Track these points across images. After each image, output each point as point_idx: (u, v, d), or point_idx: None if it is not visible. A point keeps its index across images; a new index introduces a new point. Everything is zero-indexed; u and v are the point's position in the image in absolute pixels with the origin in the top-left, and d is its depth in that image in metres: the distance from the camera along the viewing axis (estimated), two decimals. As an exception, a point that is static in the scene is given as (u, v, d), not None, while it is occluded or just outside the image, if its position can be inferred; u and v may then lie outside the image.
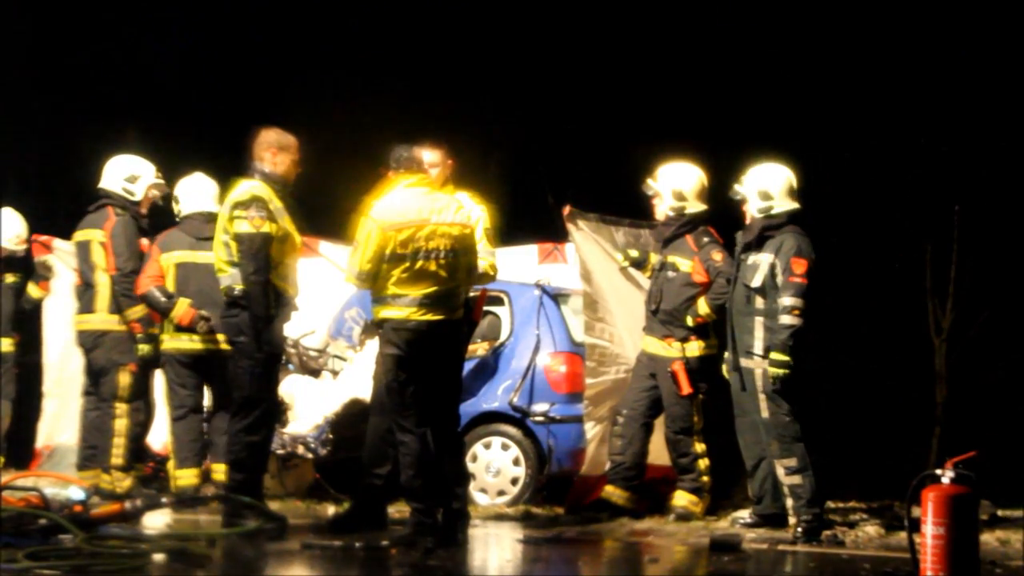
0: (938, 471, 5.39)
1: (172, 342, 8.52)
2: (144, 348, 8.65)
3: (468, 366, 8.42)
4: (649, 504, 8.50)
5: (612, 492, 8.39)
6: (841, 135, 14.57)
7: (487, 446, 9.18)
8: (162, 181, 9.01)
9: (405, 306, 6.88)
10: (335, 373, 9.85)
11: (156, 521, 7.69)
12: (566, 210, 8.89)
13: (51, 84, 14.69)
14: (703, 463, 8.30)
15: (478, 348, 9.31)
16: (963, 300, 14.00)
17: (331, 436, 9.30)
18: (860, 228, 14.34)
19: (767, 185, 7.82)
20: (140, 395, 8.86)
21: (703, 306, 8.28)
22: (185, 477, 8.50)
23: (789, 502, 7.57)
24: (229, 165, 8.20)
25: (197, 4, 15.39)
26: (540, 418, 9.13)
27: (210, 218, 8.37)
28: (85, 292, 8.89)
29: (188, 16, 15.32)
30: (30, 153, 13.91)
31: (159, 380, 8.95)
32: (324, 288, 9.97)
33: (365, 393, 9.09)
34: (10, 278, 9.72)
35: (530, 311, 9.43)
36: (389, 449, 7.21)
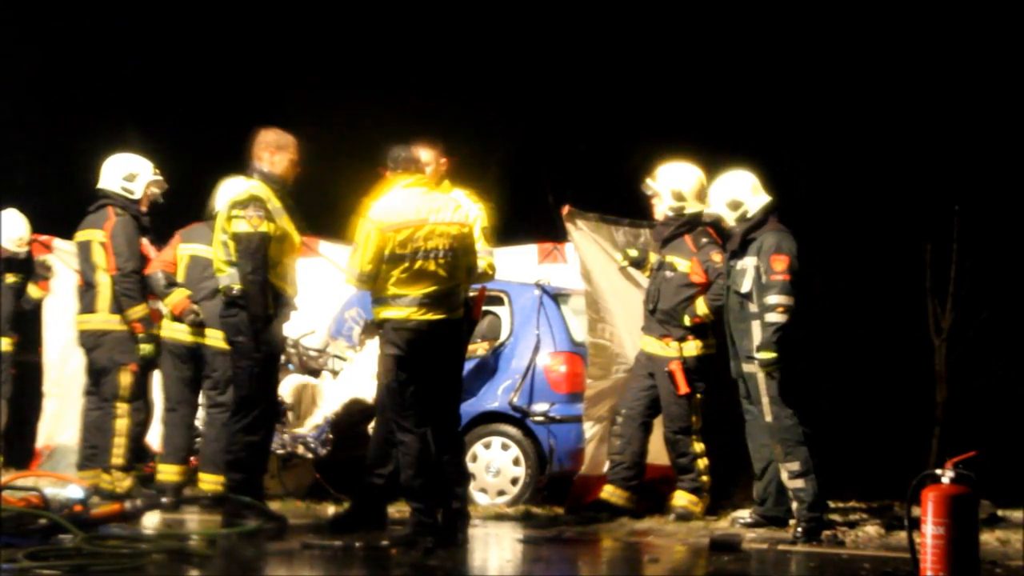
0: (938, 471, 5.38)
1: (168, 331, 8.70)
2: (146, 348, 8.67)
3: (468, 366, 8.42)
4: (649, 504, 8.50)
5: (611, 492, 8.39)
6: (841, 135, 14.58)
7: (487, 446, 9.18)
8: (160, 178, 9.01)
9: (405, 306, 6.88)
10: (335, 373, 9.85)
11: (156, 521, 7.69)
12: (565, 210, 8.90)
13: (51, 84, 14.69)
14: (702, 463, 8.30)
15: (478, 348, 9.31)
16: (963, 300, 14.00)
17: (331, 436, 9.30)
18: (860, 228, 14.34)
19: (733, 193, 7.82)
20: (140, 395, 8.87)
21: (701, 306, 8.28)
22: (167, 472, 8.55)
23: (794, 505, 7.57)
24: (229, 165, 8.21)
25: (198, 5, 15.40)
26: (540, 418, 9.13)
27: None
28: (86, 292, 8.89)
29: (188, 17, 15.32)
30: (30, 153, 13.91)
31: (157, 380, 8.98)
32: (324, 288, 9.98)
33: (365, 393, 9.12)
34: (10, 278, 9.72)
35: (530, 311, 9.43)
36: (392, 450, 7.22)
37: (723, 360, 8.10)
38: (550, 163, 14.80)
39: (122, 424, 8.70)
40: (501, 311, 9.62)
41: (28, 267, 9.89)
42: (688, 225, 8.41)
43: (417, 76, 15.68)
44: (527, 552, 7.09)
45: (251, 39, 15.62)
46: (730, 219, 7.84)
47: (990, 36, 14.04)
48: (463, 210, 7.14)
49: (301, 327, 9.41)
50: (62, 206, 10.30)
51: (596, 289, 8.87)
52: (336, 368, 9.90)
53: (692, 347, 8.34)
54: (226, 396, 8.35)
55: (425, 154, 7.34)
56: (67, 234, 9.46)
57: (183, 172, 9.28)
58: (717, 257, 8.25)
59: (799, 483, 7.55)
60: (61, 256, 9.94)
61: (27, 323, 10.03)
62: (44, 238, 10.06)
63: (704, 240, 8.37)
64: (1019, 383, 13.25)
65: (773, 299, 7.56)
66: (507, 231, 9.53)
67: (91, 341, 8.87)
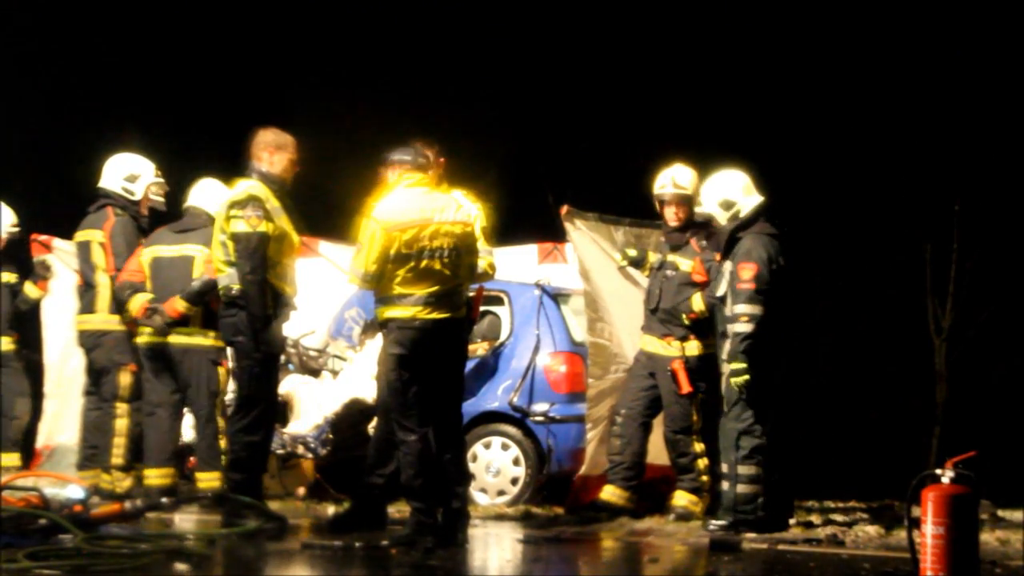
0: (938, 471, 5.38)
1: (142, 336, 8.48)
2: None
3: (468, 366, 8.40)
4: (649, 504, 8.49)
5: (611, 492, 8.38)
6: (842, 136, 14.59)
7: (487, 446, 9.18)
8: (162, 180, 9.00)
9: (411, 305, 6.88)
10: (335, 373, 9.85)
11: (156, 521, 7.69)
12: (563, 210, 8.89)
13: (51, 83, 14.69)
14: (702, 463, 8.30)
15: (478, 348, 9.31)
16: (963, 300, 14.02)
17: (331, 436, 9.30)
18: (860, 228, 14.35)
19: (726, 193, 7.81)
20: (140, 395, 8.85)
21: (698, 302, 8.26)
22: (152, 477, 8.44)
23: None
24: (229, 166, 8.21)
25: (198, 5, 15.40)
26: (540, 418, 9.13)
27: (195, 212, 8.52)
28: (86, 292, 8.89)
29: (189, 17, 15.33)
30: (30, 153, 13.91)
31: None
32: (324, 288, 9.97)
33: (365, 393, 9.12)
34: (7, 277, 9.70)
35: (530, 311, 9.42)
36: (394, 450, 7.21)
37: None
38: (550, 163, 14.80)
39: (122, 424, 8.69)
40: (501, 311, 9.62)
41: (25, 266, 9.87)
42: (694, 227, 8.39)
43: (417, 76, 15.69)
44: (527, 552, 7.08)
45: (251, 39, 15.62)
46: (722, 219, 7.82)
47: (990, 36, 14.05)
48: (465, 210, 7.14)
49: (301, 327, 9.40)
50: (62, 206, 10.30)
51: (595, 289, 8.87)
52: (336, 368, 9.89)
53: (694, 347, 8.34)
54: (201, 399, 8.28)
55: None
56: (67, 234, 9.45)
57: (183, 172, 9.26)
58: (719, 256, 8.24)
59: (725, 485, 7.59)
60: (61, 256, 9.92)
61: (27, 323, 10.02)
62: (44, 238, 10.04)
63: (706, 242, 8.36)
64: (1019, 383, 13.26)
65: (738, 308, 7.56)
66: (507, 231, 9.52)
67: (90, 341, 8.86)
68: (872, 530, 7.61)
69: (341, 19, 15.88)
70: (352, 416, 9.27)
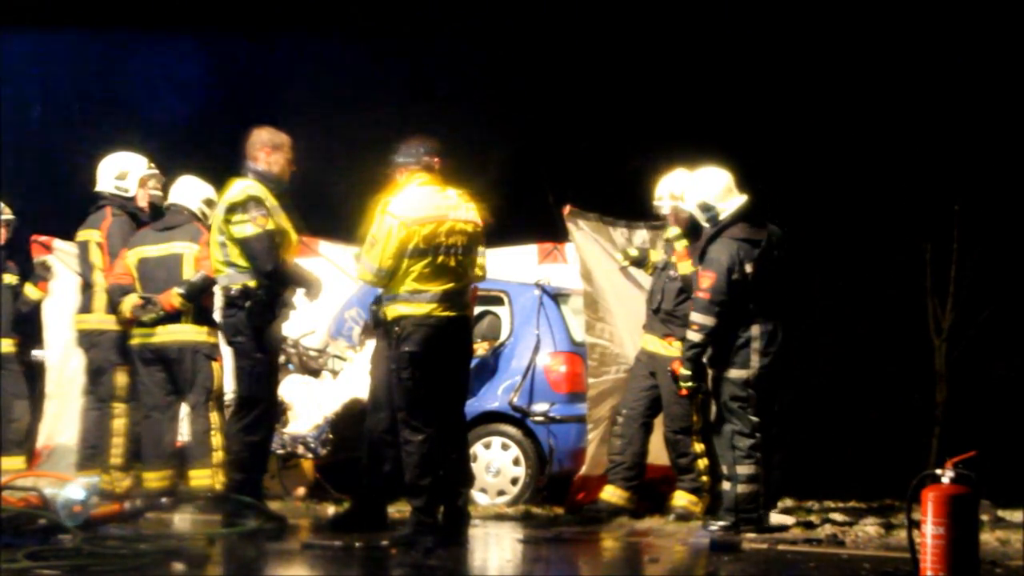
0: (938, 471, 5.38)
1: (135, 338, 8.42)
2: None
3: (468, 366, 8.42)
4: (649, 504, 8.49)
5: (611, 492, 8.39)
6: (842, 136, 14.58)
7: (487, 446, 9.18)
8: (156, 172, 8.94)
9: (426, 302, 6.87)
10: (335, 373, 9.85)
11: (155, 521, 7.68)
12: (566, 210, 8.90)
13: (51, 83, 14.69)
14: (702, 463, 8.30)
15: (478, 348, 9.30)
16: (963, 300, 14.01)
17: (331, 436, 9.30)
18: (860, 228, 14.34)
19: (704, 196, 7.78)
20: (138, 395, 8.84)
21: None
22: (151, 479, 8.42)
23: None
24: (228, 166, 8.20)
25: (198, 5, 15.39)
26: (540, 418, 9.13)
27: (177, 210, 8.48)
28: (85, 292, 8.89)
29: (188, 17, 15.31)
30: (30, 153, 13.90)
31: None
32: (324, 288, 9.95)
33: (365, 393, 9.10)
34: (8, 279, 9.70)
35: (530, 311, 9.43)
36: (387, 449, 7.21)
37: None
38: (550, 163, 14.80)
39: (119, 424, 8.68)
40: (501, 311, 9.63)
41: (26, 268, 9.87)
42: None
43: (418, 76, 15.68)
44: (527, 552, 7.09)
45: (252, 38, 15.61)
46: (702, 220, 7.81)
47: (990, 36, 14.04)
48: (472, 209, 7.14)
49: (301, 327, 9.40)
50: (62, 206, 10.29)
51: (596, 289, 8.87)
52: (336, 368, 9.89)
53: (694, 347, 8.32)
54: (195, 394, 8.28)
55: None
56: (67, 234, 9.45)
57: (182, 172, 9.24)
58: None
59: (725, 485, 7.60)
60: (61, 257, 9.92)
61: (27, 324, 10.02)
62: (44, 238, 10.03)
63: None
64: (1019, 383, 13.25)
65: (691, 315, 7.60)
66: (507, 231, 9.52)
67: (88, 341, 8.85)
68: (872, 530, 7.61)
69: (341, 19, 15.87)
70: (352, 416, 9.25)
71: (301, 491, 9.25)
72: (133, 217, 8.83)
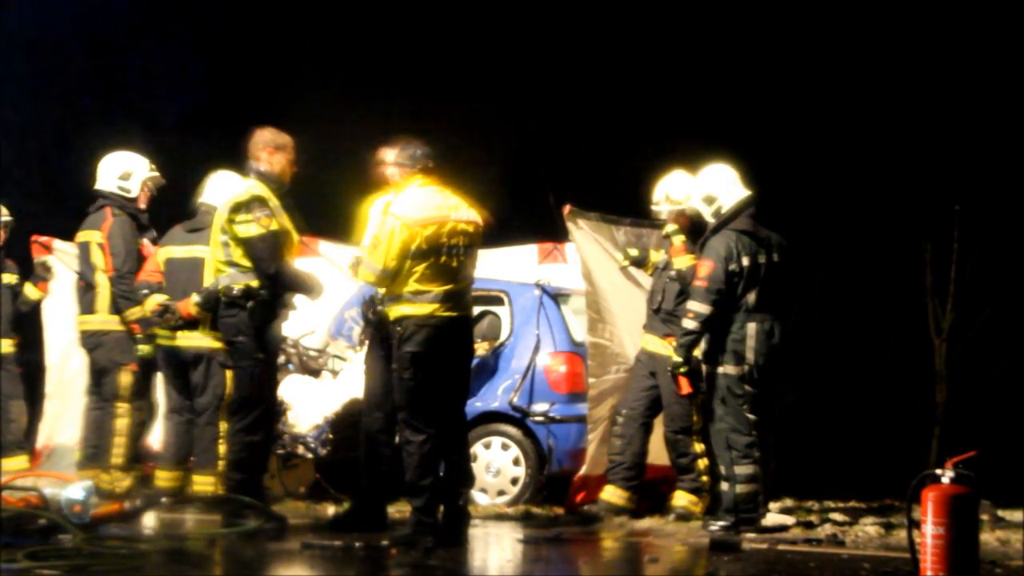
0: (938, 471, 5.38)
1: (162, 338, 8.46)
2: (144, 348, 8.64)
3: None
4: (649, 504, 8.50)
5: (611, 492, 8.39)
6: (842, 136, 14.59)
7: (487, 446, 9.18)
8: (157, 174, 8.96)
9: (428, 302, 6.87)
10: (335, 373, 9.85)
11: (156, 521, 7.69)
12: (566, 209, 8.90)
13: (52, 83, 14.70)
14: (702, 463, 8.30)
15: (478, 348, 9.30)
16: (963, 300, 14.01)
17: (331, 436, 9.29)
18: (860, 228, 14.35)
19: (708, 188, 7.81)
20: (142, 395, 8.86)
21: None
22: (161, 478, 8.47)
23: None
24: (228, 166, 8.20)
25: (197, 5, 15.40)
26: (540, 418, 9.13)
27: (207, 210, 8.41)
28: (86, 293, 8.89)
29: (188, 17, 15.33)
30: (30, 153, 13.91)
31: (160, 380, 8.95)
32: (324, 288, 9.94)
33: (364, 393, 9.11)
34: (8, 279, 9.70)
35: (530, 311, 9.43)
36: (384, 448, 7.21)
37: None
38: (550, 163, 14.81)
39: (122, 424, 8.69)
40: (501, 311, 9.62)
41: (26, 267, 9.87)
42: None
43: (418, 76, 15.69)
44: (527, 552, 7.08)
45: (251, 38, 15.62)
46: (706, 214, 7.84)
47: (989, 37, 14.05)
48: (471, 210, 7.14)
49: (301, 327, 9.39)
50: (62, 206, 10.30)
51: (597, 289, 8.87)
52: (336, 368, 9.89)
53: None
54: (205, 399, 8.29)
55: None
56: (67, 235, 9.45)
57: (183, 173, 9.25)
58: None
59: (723, 486, 7.62)
60: (61, 257, 9.92)
61: (28, 324, 10.02)
62: (44, 239, 10.03)
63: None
64: (1019, 383, 13.26)
65: (688, 304, 7.66)
66: (507, 231, 9.53)
67: (91, 341, 8.86)
68: (872, 530, 7.62)
69: (341, 18, 15.88)
70: (352, 416, 9.23)
71: (301, 491, 9.25)
72: (133, 218, 8.83)
